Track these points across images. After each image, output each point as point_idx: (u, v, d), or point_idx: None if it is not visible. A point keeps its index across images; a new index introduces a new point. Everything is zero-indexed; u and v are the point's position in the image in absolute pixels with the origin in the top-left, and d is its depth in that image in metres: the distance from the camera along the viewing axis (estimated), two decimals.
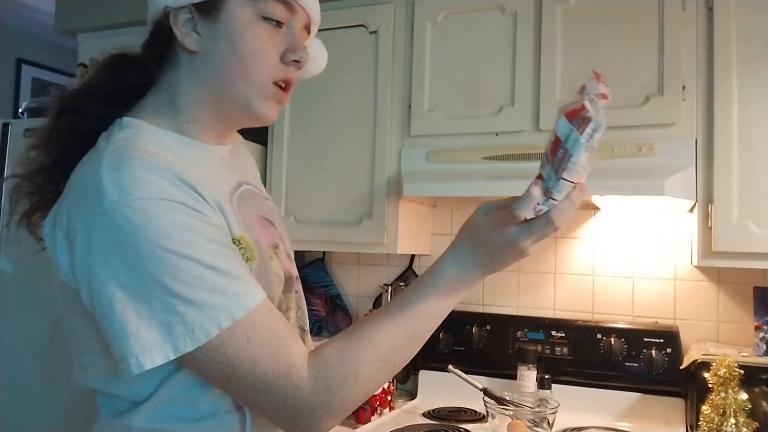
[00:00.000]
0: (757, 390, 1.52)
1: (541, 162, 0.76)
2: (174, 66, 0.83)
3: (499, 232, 0.74)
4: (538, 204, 0.73)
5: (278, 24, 0.83)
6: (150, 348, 0.69)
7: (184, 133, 0.83)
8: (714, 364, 1.51)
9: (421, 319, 0.78)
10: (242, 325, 0.71)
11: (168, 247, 0.69)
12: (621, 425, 1.78)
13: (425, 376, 2.06)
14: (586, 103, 0.72)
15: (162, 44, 0.82)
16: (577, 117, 0.73)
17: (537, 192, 0.72)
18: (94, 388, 0.84)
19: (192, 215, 0.72)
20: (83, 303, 0.75)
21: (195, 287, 0.69)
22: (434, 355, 2.04)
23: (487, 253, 0.77)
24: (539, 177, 0.75)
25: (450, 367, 1.78)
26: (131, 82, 0.85)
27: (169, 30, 0.81)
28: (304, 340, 0.87)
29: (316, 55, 0.98)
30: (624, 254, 2.00)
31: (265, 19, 0.81)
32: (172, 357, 0.69)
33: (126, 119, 0.81)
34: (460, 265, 0.78)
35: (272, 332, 0.73)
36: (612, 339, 1.87)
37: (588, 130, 0.73)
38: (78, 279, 0.73)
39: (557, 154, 0.74)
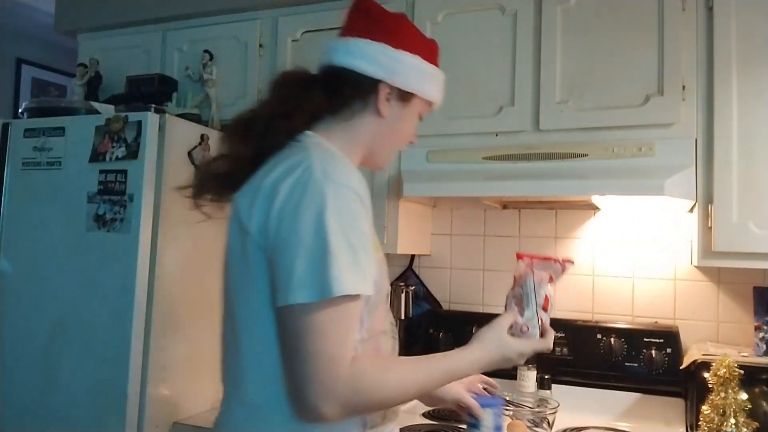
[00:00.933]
0: (757, 390, 1.51)
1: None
2: (360, 113, 1.08)
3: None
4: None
5: (419, 118, 1.17)
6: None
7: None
8: (714, 364, 1.51)
9: (435, 382, 1.01)
10: (348, 301, 0.88)
11: (343, 222, 0.90)
12: (621, 425, 1.78)
13: None
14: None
15: (359, 94, 1.07)
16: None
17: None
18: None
19: (363, 215, 0.94)
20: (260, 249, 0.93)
21: (338, 257, 0.87)
22: None
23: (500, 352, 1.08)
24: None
25: None
26: (318, 105, 1.06)
27: (370, 91, 1.07)
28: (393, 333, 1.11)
29: None
30: (624, 254, 2.00)
31: (419, 114, 1.15)
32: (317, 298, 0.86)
33: (318, 136, 1.05)
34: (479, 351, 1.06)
35: (355, 325, 0.92)
36: (612, 339, 1.87)
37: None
38: (269, 226, 0.91)
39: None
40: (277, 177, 0.93)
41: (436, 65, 1.16)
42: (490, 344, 1.06)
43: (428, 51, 1.13)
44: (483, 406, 1.21)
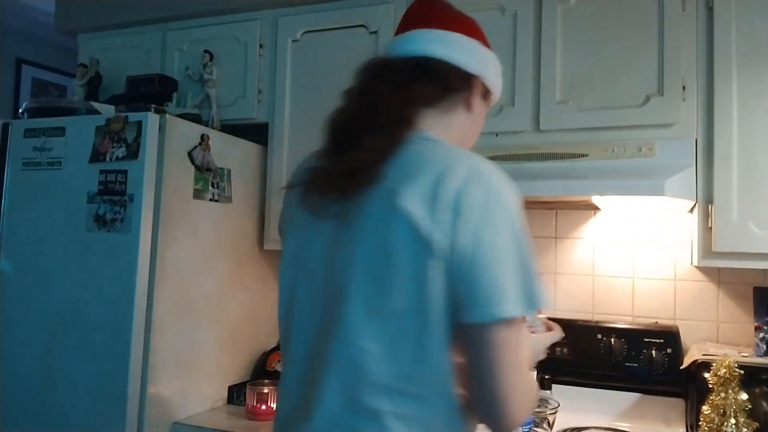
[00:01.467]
0: (757, 390, 1.52)
1: None
2: (456, 107, 1.06)
3: None
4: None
5: None
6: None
7: None
8: (714, 364, 1.51)
9: None
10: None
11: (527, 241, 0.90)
12: (621, 425, 1.78)
13: None
14: None
15: (463, 89, 1.05)
16: None
17: None
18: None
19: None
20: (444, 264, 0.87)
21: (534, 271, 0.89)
22: None
23: None
24: None
25: None
26: (431, 97, 1.02)
27: (469, 84, 1.05)
28: None
29: None
30: (624, 254, 2.00)
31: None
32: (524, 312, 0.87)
33: (433, 134, 1.00)
34: None
35: None
36: (612, 339, 1.87)
37: None
38: (457, 240, 0.86)
39: None
40: (458, 188, 0.87)
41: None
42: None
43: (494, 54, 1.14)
44: None
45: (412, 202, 0.87)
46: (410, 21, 1.08)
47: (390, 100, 0.97)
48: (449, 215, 0.86)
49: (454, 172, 0.88)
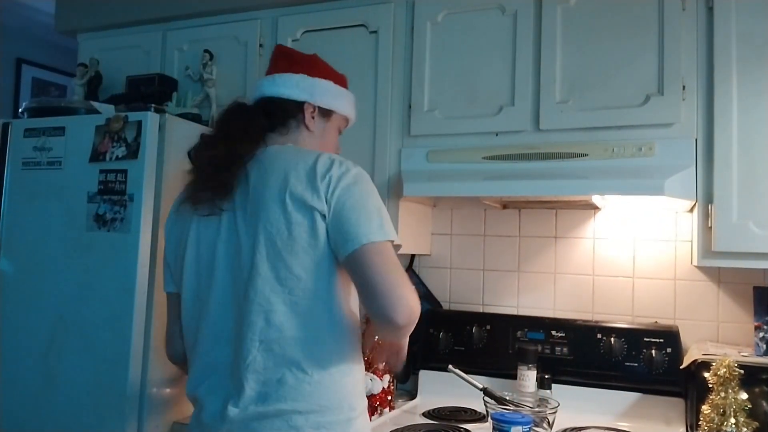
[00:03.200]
0: (757, 390, 1.52)
1: None
2: (296, 129, 1.36)
3: None
4: None
5: (339, 132, 1.47)
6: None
7: None
8: (714, 364, 1.51)
9: None
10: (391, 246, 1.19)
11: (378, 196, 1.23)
12: (621, 425, 1.78)
13: (425, 376, 2.06)
14: None
15: (290, 115, 1.35)
16: None
17: None
18: None
19: None
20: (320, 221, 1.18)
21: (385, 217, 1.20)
22: (434, 355, 2.04)
23: None
24: None
25: (450, 367, 1.78)
26: (263, 125, 1.34)
27: (298, 111, 1.35)
28: None
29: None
30: (624, 254, 2.00)
31: (338, 129, 1.45)
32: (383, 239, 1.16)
33: (289, 144, 1.34)
34: None
35: None
36: (612, 339, 1.87)
37: None
38: (330, 205, 1.17)
39: None
40: (324, 168, 1.19)
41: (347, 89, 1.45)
42: None
43: (339, 79, 1.42)
44: (513, 423, 1.26)
45: (301, 189, 1.17)
46: (267, 68, 1.42)
47: (237, 132, 1.29)
48: (323, 189, 1.17)
49: (320, 161, 1.20)
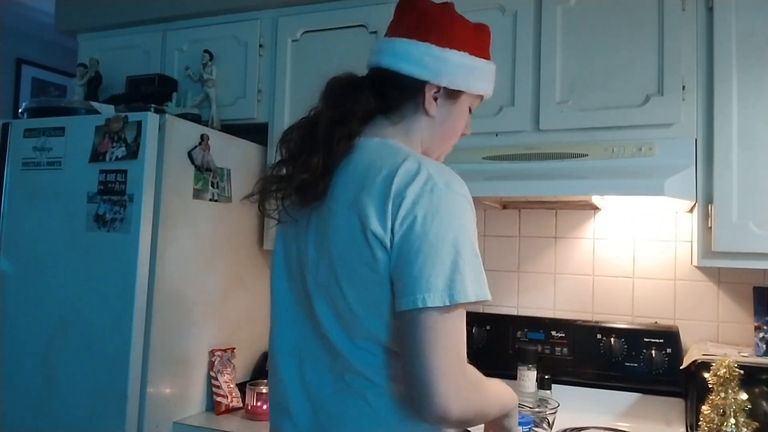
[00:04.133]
0: (757, 390, 1.52)
1: None
2: (413, 114, 1.10)
3: None
4: None
5: (470, 111, 1.17)
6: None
7: None
8: (714, 364, 1.51)
9: (500, 406, 1.06)
10: (465, 307, 0.92)
11: (467, 231, 0.94)
12: (621, 425, 1.78)
13: None
14: None
15: (407, 97, 1.09)
16: None
17: None
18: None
19: (473, 218, 0.98)
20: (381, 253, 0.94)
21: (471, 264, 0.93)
22: None
23: None
24: None
25: None
26: (371, 109, 1.09)
27: (418, 93, 1.08)
28: None
29: None
30: (624, 254, 2.00)
31: (469, 108, 1.16)
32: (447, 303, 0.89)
33: (389, 139, 1.06)
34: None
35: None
36: (612, 339, 1.87)
37: None
38: (395, 230, 0.93)
39: None
40: (396, 181, 0.94)
41: (487, 56, 1.15)
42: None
43: (477, 43, 1.13)
44: None
45: (367, 207, 0.95)
46: (391, 21, 1.15)
47: (329, 118, 1.05)
48: (391, 212, 0.93)
49: (401, 170, 0.95)
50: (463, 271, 0.90)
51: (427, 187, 0.93)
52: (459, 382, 0.90)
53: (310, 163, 1.02)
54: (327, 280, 0.99)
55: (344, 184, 1.00)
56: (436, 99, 1.09)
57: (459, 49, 1.08)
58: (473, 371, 0.96)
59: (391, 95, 1.08)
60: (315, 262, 1.01)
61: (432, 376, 0.88)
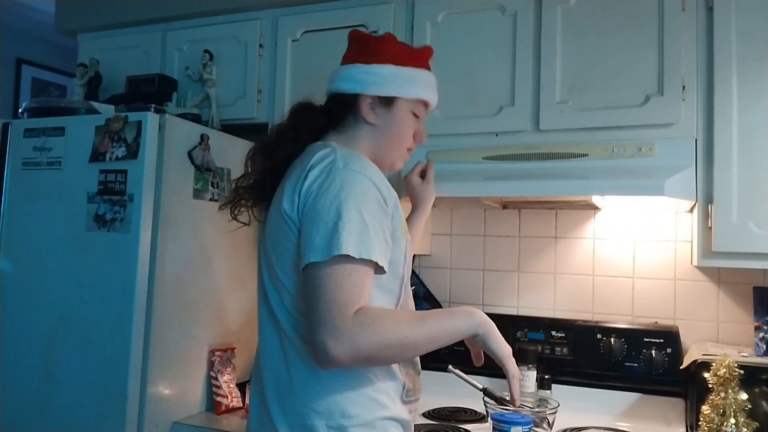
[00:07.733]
0: (757, 390, 1.52)
1: None
2: (356, 125, 1.28)
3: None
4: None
5: (416, 117, 1.33)
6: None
7: None
8: (714, 364, 1.51)
9: (434, 334, 1.13)
10: (357, 263, 1.03)
11: (355, 199, 1.06)
12: (621, 425, 1.78)
13: (425, 376, 2.04)
14: None
15: (347, 110, 1.28)
16: None
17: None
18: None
19: (379, 199, 1.09)
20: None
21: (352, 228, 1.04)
22: (434, 355, 2.02)
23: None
24: None
25: (450, 367, 1.77)
26: (318, 123, 1.29)
27: (354, 105, 1.26)
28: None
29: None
30: (624, 254, 2.00)
31: (413, 114, 1.31)
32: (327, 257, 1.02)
33: (330, 142, 1.22)
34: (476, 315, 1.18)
35: (365, 285, 1.04)
36: (612, 339, 1.87)
37: None
38: (299, 207, 1.10)
39: None
40: (308, 166, 1.11)
41: (425, 67, 1.33)
42: (484, 318, 1.19)
43: (409, 57, 1.30)
44: (513, 424, 1.27)
45: (285, 189, 1.13)
46: None
47: (281, 130, 1.28)
48: (298, 187, 1.10)
49: (314, 158, 1.12)
50: (342, 231, 1.02)
51: (327, 168, 1.09)
52: (339, 326, 0.98)
53: (261, 167, 1.26)
54: (267, 257, 1.17)
55: (285, 179, 1.18)
56: (373, 108, 1.25)
57: (384, 63, 1.26)
58: (373, 312, 1.02)
59: (336, 111, 1.28)
60: (265, 246, 1.19)
61: (312, 326, 1.01)
